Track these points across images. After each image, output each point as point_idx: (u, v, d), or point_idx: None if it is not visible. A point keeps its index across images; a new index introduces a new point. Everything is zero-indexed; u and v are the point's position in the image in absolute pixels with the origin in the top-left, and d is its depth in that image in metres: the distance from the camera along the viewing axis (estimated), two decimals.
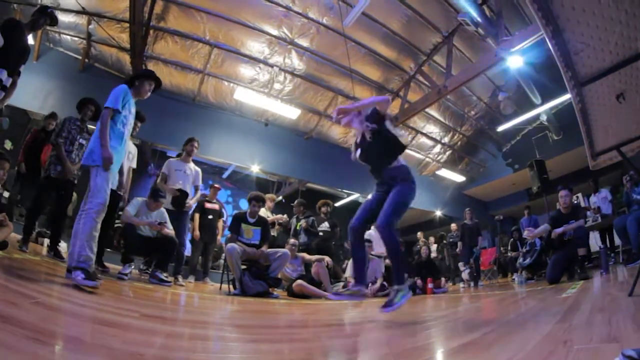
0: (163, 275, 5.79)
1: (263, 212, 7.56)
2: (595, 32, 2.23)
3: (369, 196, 3.86)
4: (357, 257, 3.69)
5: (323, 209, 9.20)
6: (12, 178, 7.21)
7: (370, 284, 7.71)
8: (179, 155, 7.19)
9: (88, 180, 3.59)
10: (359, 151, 3.69)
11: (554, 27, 2.29)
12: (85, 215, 3.44)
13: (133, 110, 4.02)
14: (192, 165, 6.99)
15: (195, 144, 7.01)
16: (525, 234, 7.16)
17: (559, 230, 6.66)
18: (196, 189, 7.02)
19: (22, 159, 6.97)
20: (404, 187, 3.50)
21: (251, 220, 6.57)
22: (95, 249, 3.42)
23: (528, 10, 8.83)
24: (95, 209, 3.46)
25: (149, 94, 4.23)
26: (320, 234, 8.82)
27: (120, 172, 5.51)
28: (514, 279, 9.15)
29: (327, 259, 7.50)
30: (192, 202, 6.95)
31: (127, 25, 8.44)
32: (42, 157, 6.29)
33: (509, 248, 11.34)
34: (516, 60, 8.63)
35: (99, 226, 3.49)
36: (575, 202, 7.14)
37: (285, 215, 9.30)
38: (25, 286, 2.50)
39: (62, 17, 9.19)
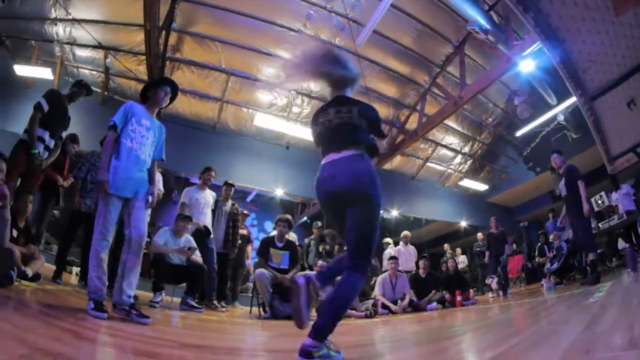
0: (194, 302, 5.90)
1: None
2: (601, 49, 2.28)
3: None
4: None
5: None
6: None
7: (399, 301, 7.70)
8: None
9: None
10: None
11: (555, 40, 2.35)
12: (92, 246, 3.33)
13: (147, 123, 3.69)
14: (208, 192, 7.14)
15: (213, 174, 7.17)
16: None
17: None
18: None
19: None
20: None
21: (279, 244, 6.63)
22: (103, 279, 3.29)
23: None
24: (96, 238, 3.31)
25: (167, 100, 3.90)
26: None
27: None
28: (542, 284, 9.04)
29: None
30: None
31: (144, 57, 8.74)
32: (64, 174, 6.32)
33: (536, 253, 11.21)
34: (528, 63, 8.61)
35: (103, 255, 3.30)
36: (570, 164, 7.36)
37: None
38: (64, 320, 2.60)
39: (79, 52, 9.58)
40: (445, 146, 14.11)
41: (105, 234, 3.32)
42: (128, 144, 3.49)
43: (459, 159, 14.90)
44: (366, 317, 6.66)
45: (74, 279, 6.60)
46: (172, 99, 3.99)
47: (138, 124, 3.60)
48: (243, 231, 8.75)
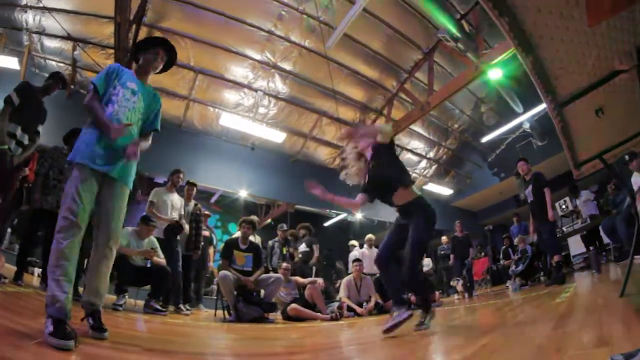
0: (158, 305, 5.78)
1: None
2: (573, 57, 2.32)
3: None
4: (389, 281, 3.66)
5: (302, 232, 9.41)
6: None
7: (364, 303, 7.72)
8: (165, 184, 7.23)
9: None
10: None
11: (527, 46, 2.39)
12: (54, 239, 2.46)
13: (134, 86, 3.05)
14: (176, 196, 7.04)
15: (181, 176, 7.09)
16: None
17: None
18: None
19: None
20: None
21: (243, 246, 6.58)
22: (65, 285, 2.39)
23: None
24: (59, 225, 2.45)
25: (159, 64, 3.30)
26: (300, 255, 8.97)
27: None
28: (507, 286, 9.26)
29: (319, 281, 7.53)
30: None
31: (112, 51, 8.56)
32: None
33: (501, 256, 11.46)
34: (496, 72, 8.78)
35: (71, 252, 2.42)
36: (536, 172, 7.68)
37: None
38: (23, 324, 2.49)
39: (48, 43, 9.26)
40: (410, 151, 14.27)
41: (73, 221, 2.46)
42: (109, 109, 2.84)
43: (424, 163, 15.07)
44: (332, 319, 6.64)
45: (35, 281, 6.39)
46: (168, 64, 3.44)
47: (123, 86, 2.98)
48: (205, 232, 8.62)
